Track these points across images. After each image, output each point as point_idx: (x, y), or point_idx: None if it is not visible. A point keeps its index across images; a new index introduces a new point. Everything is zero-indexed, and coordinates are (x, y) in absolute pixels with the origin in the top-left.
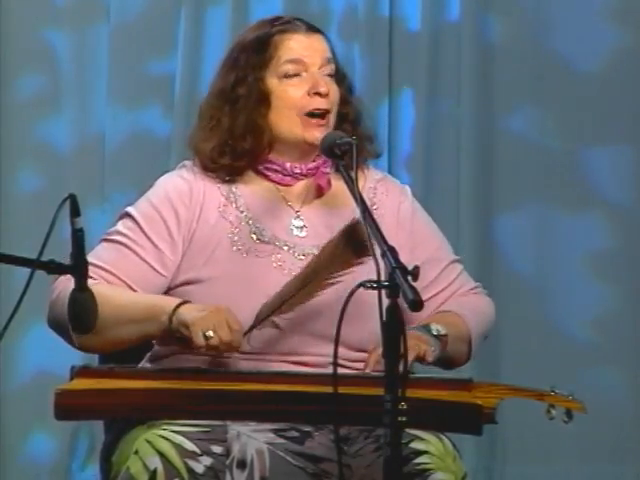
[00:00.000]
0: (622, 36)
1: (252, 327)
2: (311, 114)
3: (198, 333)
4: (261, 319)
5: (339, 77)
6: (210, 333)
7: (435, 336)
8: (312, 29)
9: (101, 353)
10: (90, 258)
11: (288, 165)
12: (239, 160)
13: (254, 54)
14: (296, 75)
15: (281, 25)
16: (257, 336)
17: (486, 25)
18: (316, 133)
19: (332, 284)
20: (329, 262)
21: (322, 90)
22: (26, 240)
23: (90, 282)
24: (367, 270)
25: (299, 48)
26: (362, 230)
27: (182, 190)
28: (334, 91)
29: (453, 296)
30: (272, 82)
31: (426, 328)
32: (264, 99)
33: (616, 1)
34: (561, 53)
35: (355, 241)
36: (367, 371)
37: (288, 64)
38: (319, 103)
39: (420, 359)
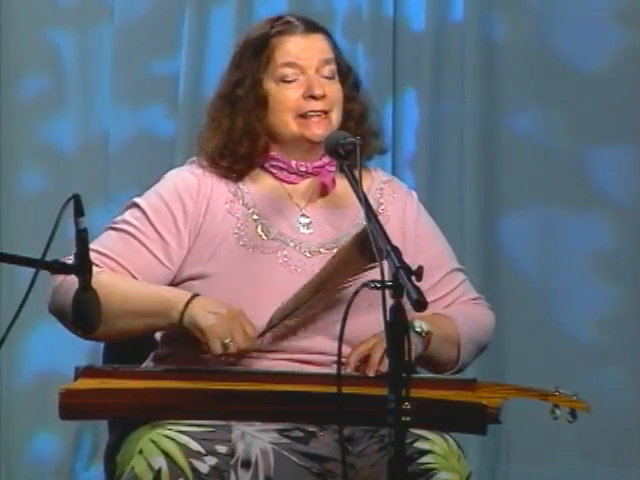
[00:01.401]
0: (626, 36)
1: (265, 331)
2: (307, 115)
3: (216, 341)
4: (274, 323)
5: (343, 74)
6: (228, 341)
7: (418, 333)
8: (311, 29)
9: (104, 342)
10: (95, 245)
11: (294, 163)
12: (237, 163)
13: (253, 55)
14: (293, 79)
15: (280, 26)
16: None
17: (490, 25)
18: (315, 130)
19: (345, 287)
20: (342, 268)
21: (317, 93)
22: (30, 240)
23: (95, 270)
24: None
25: (296, 50)
26: (374, 236)
27: (190, 184)
28: (334, 91)
29: (454, 304)
30: (269, 85)
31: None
32: (261, 102)
33: (620, 1)
34: (565, 53)
35: (367, 247)
36: (348, 370)
37: (284, 67)
38: (314, 105)
39: None
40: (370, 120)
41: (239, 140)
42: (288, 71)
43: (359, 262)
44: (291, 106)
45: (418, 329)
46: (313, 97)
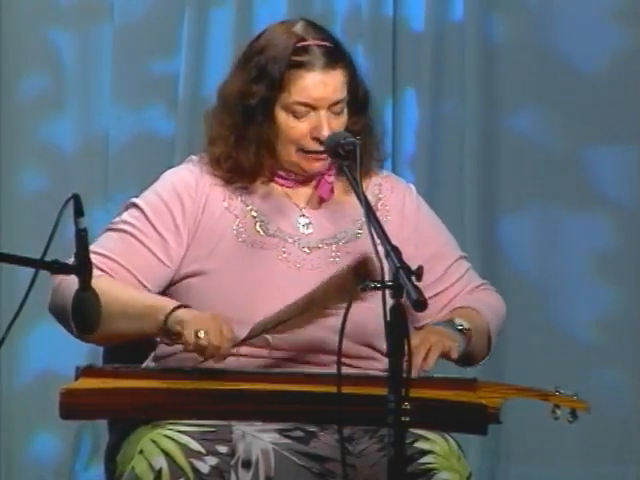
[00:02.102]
0: (626, 36)
1: (243, 340)
2: (309, 151)
3: (190, 330)
4: (254, 334)
5: (359, 101)
6: (201, 333)
7: (460, 330)
8: (331, 63)
9: (99, 344)
10: (95, 247)
11: (293, 174)
12: (237, 175)
13: (270, 70)
14: (303, 116)
15: (301, 55)
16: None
17: (490, 25)
18: (315, 164)
19: (333, 315)
20: (333, 293)
21: (323, 136)
22: (30, 240)
23: (96, 273)
24: (369, 305)
25: (311, 89)
26: (372, 267)
27: (188, 182)
28: (339, 125)
29: (462, 293)
30: (279, 112)
31: (450, 323)
32: (270, 124)
33: (620, 1)
34: (565, 53)
35: (364, 278)
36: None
37: (297, 105)
38: (318, 147)
39: (445, 356)
40: (373, 133)
41: (245, 154)
42: (301, 109)
43: (355, 289)
44: (296, 141)
45: (460, 327)
46: (318, 139)
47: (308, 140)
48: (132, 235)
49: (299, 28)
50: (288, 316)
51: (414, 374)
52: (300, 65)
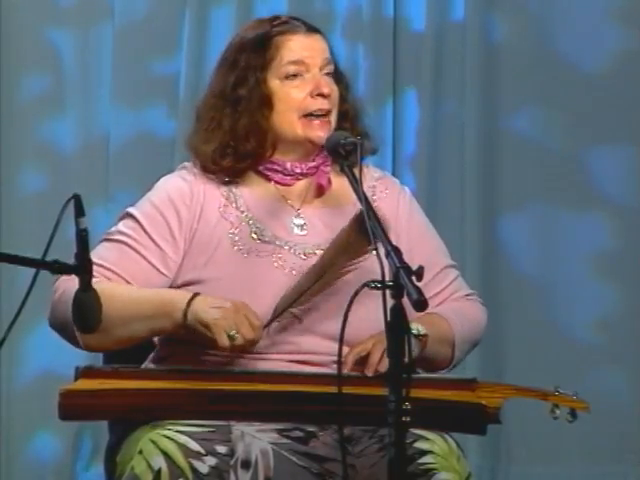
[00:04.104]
0: (627, 37)
1: (271, 320)
2: (313, 115)
3: (222, 334)
4: (279, 312)
5: (338, 75)
6: (234, 333)
7: (415, 335)
8: (311, 29)
9: (108, 351)
10: (92, 257)
11: (289, 165)
12: (241, 162)
13: (254, 54)
14: (298, 76)
15: (280, 25)
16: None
17: (490, 25)
18: (320, 132)
19: (347, 272)
20: (342, 251)
21: (325, 91)
22: (30, 240)
23: (92, 281)
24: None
25: (300, 49)
26: (369, 217)
27: (183, 191)
28: (335, 91)
29: (447, 300)
30: (274, 83)
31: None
32: (266, 101)
33: (621, 2)
34: (565, 53)
35: (365, 227)
36: (345, 370)
37: (290, 65)
38: (321, 104)
39: None
40: (362, 121)
41: (245, 138)
42: (294, 68)
43: (358, 243)
44: (297, 106)
45: (415, 331)
46: (321, 95)
47: (310, 101)
48: (127, 245)
49: (267, 16)
50: (306, 286)
51: (370, 373)
52: (284, 32)
